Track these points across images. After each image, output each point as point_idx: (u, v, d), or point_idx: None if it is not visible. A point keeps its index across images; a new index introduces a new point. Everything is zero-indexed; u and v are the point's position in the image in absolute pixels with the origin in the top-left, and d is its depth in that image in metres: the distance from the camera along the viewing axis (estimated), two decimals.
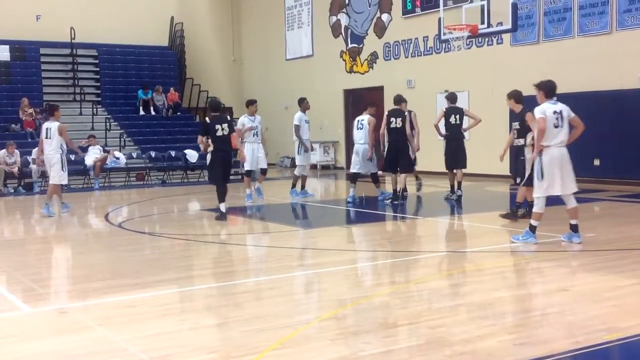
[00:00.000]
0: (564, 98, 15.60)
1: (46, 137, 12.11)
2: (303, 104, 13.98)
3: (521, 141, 10.26)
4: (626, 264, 7.19)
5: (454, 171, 12.86)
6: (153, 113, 23.23)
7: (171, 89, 23.80)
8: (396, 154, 12.46)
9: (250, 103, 13.71)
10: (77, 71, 23.28)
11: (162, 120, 23.04)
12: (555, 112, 8.29)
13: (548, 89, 8.55)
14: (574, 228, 8.34)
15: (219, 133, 10.98)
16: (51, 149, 12.04)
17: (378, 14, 21.19)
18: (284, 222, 11.26)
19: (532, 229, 8.35)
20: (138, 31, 24.50)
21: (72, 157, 18.39)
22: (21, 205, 15.01)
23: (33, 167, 17.02)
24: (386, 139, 12.66)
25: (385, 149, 12.66)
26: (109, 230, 10.85)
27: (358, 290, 6.63)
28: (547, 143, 8.23)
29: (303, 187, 13.93)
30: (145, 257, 8.51)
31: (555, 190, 8.24)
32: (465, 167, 12.88)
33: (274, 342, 4.78)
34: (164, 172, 19.32)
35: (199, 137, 11.33)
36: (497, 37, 17.04)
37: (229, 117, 11.67)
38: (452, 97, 13.02)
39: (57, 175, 12.15)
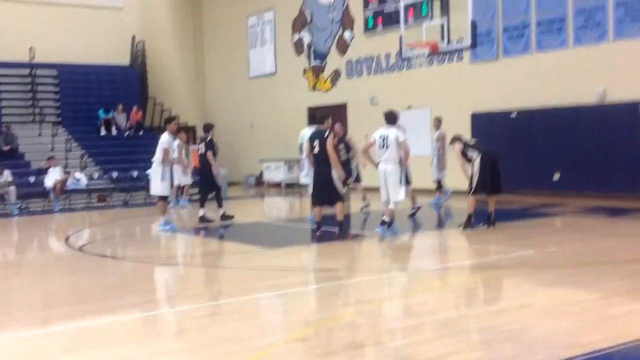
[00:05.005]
0: (524, 114, 16.04)
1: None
2: (170, 124, 12.69)
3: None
4: (587, 279, 7.29)
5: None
6: (115, 133, 23.00)
7: (134, 107, 23.60)
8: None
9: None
10: (37, 91, 22.96)
11: (124, 140, 22.82)
12: (381, 136, 10.41)
13: (386, 118, 10.60)
14: (382, 223, 10.39)
15: (199, 152, 13.47)
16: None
17: (340, 32, 21.34)
18: (249, 242, 11.19)
19: (383, 223, 10.39)
20: (99, 50, 24.24)
21: (32, 179, 18.13)
22: None
23: None
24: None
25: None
26: (70, 254, 10.64)
27: (324, 310, 6.61)
28: (376, 160, 10.56)
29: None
30: (108, 281, 8.36)
31: (383, 196, 10.48)
32: None
33: None
34: (126, 193, 19.09)
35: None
36: (457, 54, 17.29)
37: (208, 138, 13.42)
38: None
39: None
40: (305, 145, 12.11)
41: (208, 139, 13.41)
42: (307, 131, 13.51)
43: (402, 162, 10.44)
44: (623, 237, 10.19)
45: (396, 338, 5.33)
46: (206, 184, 13.49)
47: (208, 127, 13.80)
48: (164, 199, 12.42)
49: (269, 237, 11.98)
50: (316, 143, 10.50)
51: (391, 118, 10.57)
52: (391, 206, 10.42)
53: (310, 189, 12.88)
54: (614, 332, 5.27)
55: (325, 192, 10.52)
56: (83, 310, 6.70)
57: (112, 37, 24.82)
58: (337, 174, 10.38)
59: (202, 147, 13.38)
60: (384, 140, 10.36)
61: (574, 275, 7.53)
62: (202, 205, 13.38)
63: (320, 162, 10.51)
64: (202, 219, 13.20)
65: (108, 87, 24.25)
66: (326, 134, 10.50)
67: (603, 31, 14.81)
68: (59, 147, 20.75)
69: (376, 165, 10.62)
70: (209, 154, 13.18)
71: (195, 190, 17.53)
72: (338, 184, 10.42)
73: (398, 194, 10.39)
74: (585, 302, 6.24)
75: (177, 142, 16.16)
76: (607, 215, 12.73)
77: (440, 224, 13.23)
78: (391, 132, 10.36)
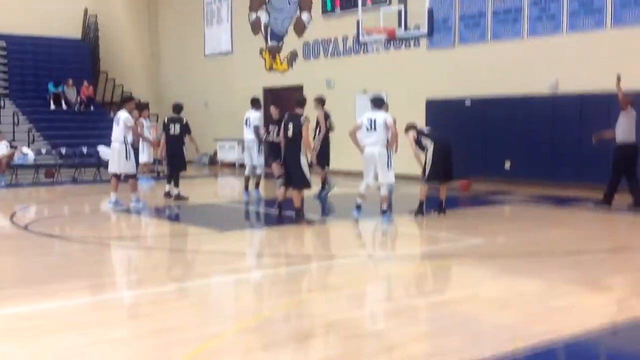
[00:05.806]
0: (478, 102, 16.20)
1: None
2: (129, 103, 12.57)
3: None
4: (532, 269, 7.42)
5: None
6: (65, 107, 22.47)
7: (85, 82, 23.07)
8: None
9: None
10: None
11: (74, 115, 22.31)
12: (369, 119, 10.52)
13: (373, 102, 10.79)
14: (383, 212, 10.59)
15: (171, 132, 13.37)
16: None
17: (298, 13, 21.17)
18: (201, 224, 11.07)
19: (384, 212, 10.59)
20: (50, 23, 23.59)
21: None
22: None
23: None
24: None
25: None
26: (14, 232, 10.36)
27: (273, 298, 6.57)
28: (363, 143, 10.59)
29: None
30: (53, 262, 8.17)
31: (367, 179, 10.64)
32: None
33: (182, 357, 4.66)
34: (75, 170, 18.69)
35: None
36: (414, 40, 17.32)
37: (184, 120, 13.56)
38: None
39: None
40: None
41: (184, 122, 13.53)
42: (249, 113, 13.56)
43: (390, 145, 10.58)
44: (568, 228, 10.39)
45: (345, 328, 5.33)
46: (176, 163, 13.53)
47: (179, 108, 13.73)
48: (132, 176, 12.32)
49: (222, 219, 11.86)
50: (290, 126, 10.41)
51: (378, 102, 10.77)
52: (383, 192, 10.63)
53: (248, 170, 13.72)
54: (556, 325, 5.36)
55: (293, 176, 10.51)
56: (23, 293, 6.52)
57: (63, 10, 24.17)
58: (305, 159, 10.38)
59: (176, 128, 13.41)
60: (371, 123, 10.48)
61: (519, 265, 7.66)
62: (176, 184, 13.46)
63: (292, 146, 10.43)
64: (177, 197, 13.37)
65: (58, 60, 23.65)
66: (302, 118, 10.41)
67: (557, 23, 15.01)
68: (5, 121, 20.18)
69: (361, 148, 10.68)
70: (190, 137, 13.63)
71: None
72: (306, 169, 10.41)
73: (388, 177, 10.61)
74: (529, 294, 6.34)
75: (141, 120, 16.13)
76: (554, 204, 12.96)
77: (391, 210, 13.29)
78: (379, 116, 10.53)
